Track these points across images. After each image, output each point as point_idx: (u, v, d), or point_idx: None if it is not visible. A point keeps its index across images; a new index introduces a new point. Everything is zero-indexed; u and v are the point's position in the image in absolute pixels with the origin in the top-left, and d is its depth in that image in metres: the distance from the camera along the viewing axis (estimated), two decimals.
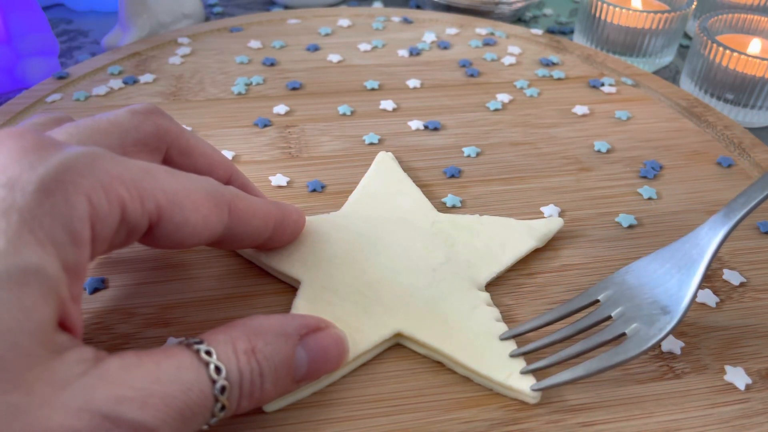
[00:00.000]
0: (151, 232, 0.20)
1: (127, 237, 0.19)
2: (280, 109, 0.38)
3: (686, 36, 0.53)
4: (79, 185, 0.17)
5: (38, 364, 0.16)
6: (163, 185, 0.19)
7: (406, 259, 0.26)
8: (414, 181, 0.31)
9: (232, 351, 0.19)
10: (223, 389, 0.18)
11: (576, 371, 0.22)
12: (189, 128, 0.36)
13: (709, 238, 0.24)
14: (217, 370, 0.18)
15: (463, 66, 0.43)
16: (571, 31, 0.53)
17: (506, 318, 0.26)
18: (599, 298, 0.24)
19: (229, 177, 0.26)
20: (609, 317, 0.23)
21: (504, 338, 0.24)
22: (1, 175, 0.17)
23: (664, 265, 0.24)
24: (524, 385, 0.22)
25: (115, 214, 0.18)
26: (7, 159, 0.17)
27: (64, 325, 0.17)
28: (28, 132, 0.18)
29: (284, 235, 0.25)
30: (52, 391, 0.16)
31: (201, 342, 0.19)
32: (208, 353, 0.18)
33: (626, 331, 0.22)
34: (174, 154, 0.24)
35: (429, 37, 0.46)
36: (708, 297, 0.27)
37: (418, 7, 0.56)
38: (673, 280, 0.23)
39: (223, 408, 0.18)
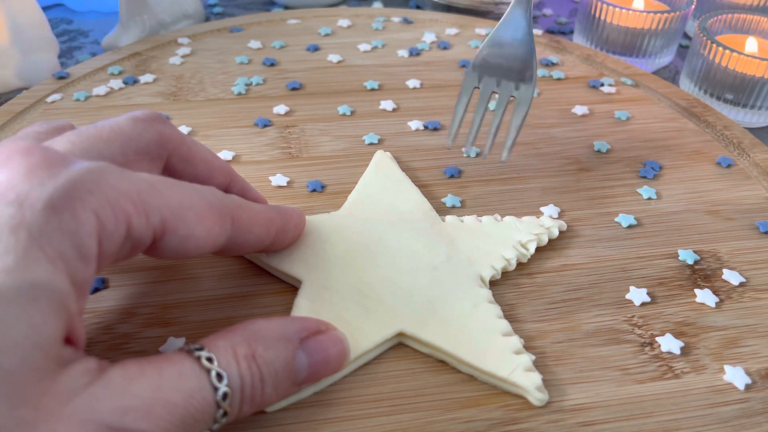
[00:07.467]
0: (155, 245, 0.20)
1: (132, 250, 0.19)
2: (280, 109, 0.38)
3: (686, 36, 0.53)
4: (86, 202, 0.17)
5: (45, 377, 0.16)
6: (167, 199, 0.19)
7: (407, 258, 0.26)
8: (414, 181, 0.31)
9: (232, 357, 0.19)
10: (225, 395, 0.18)
11: (511, 135, 0.30)
12: (189, 129, 0.36)
13: (521, 19, 0.30)
14: (219, 376, 0.18)
15: (463, 66, 0.43)
16: (571, 31, 0.53)
17: (507, 317, 0.26)
18: (478, 85, 0.31)
19: (228, 182, 0.26)
20: (494, 92, 0.31)
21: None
22: (10, 192, 0.17)
23: (504, 48, 0.31)
24: (528, 381, 0.22)
25: (121, 229, 0.18)
26: (15, 176, 0.17)
27: (69, 339, 0.17)
28: (35, 148, 0.18)
29: (285, 240, 0.26)
30: (59, 403, 0.16)
31: (202, 348, 0.19)
32: (209, 360, 0.18)
33: (513, 95, 0.31)
34: (175, 162, 0.24)
35: (429, 37, 0.46)
36: (708, 297, 0.27)
37: (418, 7, 0.56)
38: (516, 51, 0.30)
39: (225, 414, 0.18)
